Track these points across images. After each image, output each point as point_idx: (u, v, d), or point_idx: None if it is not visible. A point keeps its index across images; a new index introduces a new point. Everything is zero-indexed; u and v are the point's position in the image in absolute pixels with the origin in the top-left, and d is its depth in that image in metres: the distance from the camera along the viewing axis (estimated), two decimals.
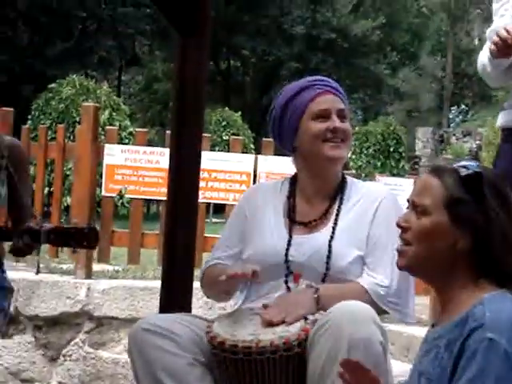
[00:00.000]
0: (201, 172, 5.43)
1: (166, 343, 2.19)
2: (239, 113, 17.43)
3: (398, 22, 20.18)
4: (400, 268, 1.73)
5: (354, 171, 16.58)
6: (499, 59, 2.58)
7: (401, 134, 17.65)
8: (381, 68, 20.67)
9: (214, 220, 12.08)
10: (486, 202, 1.64)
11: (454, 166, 1.72)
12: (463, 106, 29.88)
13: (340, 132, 2.40)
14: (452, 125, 27.93)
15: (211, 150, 6.31)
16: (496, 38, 2.49)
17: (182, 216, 2.94)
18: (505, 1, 2.73)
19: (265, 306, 2.23)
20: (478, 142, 21.02)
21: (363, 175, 15.16)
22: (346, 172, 2.59)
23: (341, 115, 2.43)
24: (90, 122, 5.11)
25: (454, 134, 23.30)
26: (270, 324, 2.14)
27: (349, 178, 2.52)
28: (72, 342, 4.52)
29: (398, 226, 1.73)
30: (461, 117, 28.34)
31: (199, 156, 3.03)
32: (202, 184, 5.40)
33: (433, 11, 24.37)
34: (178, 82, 2.95)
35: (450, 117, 28.61)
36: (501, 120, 2.71)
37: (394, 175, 15.86)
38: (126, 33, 19.44)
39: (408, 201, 1.75)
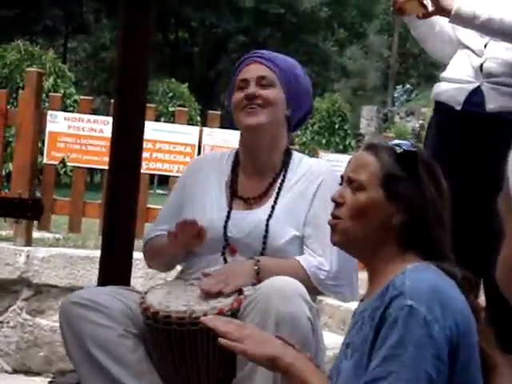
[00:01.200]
0: (145, 143, 5.44)
1: (95, 315, 2.18)
2: (186, 84, 17.33)
3: None
4: (334, 244, 1.76)
5: (297, 147, 16.72)
6: (407, 19, 2.68)
7: (346, 111, 17.77)
8: (328, 45, 20.75)
9: (158, 191, 12.06)
10: (421, 181, 1.69)
11: (389, 143, 1.76)
12: (408, 86, 30.21)
13: (257, 98, 2.37)
14: (396, 104, 28.25)
15: (156, 121, 6.28)
16: None
17: (123, 185, 2.94)
18: None
19: (205, 275, 2.23)
20: (420, 122, 21.28)
21: (306, 151, 15.28)
22: (291, 147, 2.57)
23: (261, 82, 2.39)
24: (34, 87, 5.04)
25: (398, 113, 23.56)
26: (207, 293, 2.14)
27: (295, 154, 2.50)
28: (10, 309, 4.49)
29: (333, 200, 1.75)
30: (405, 96, 28.71)
31: (142, 125, 3.03)
32: (145, 155, 5.41)
33: None
34: (122, 49, 2.93)
35: (395, 96, 28.93)
36: (432, 92, 2.80)
37: (339, 152, 16.04)
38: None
39: (342, 177, 1.78)
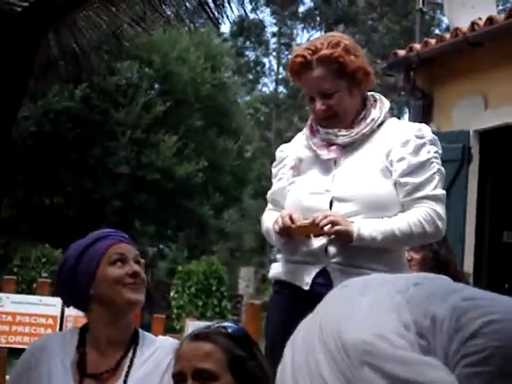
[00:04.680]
0: (4, 315, 5.30)
1: None
2: (60, 250, 17.12)
3: (220, 165, 20.90)
4: None
5: (175, 310, 16.61)
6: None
7: (222, 273, 17.94)
8: (205, 209, 21.14)
9: None
10: (257, 357, 1.76)
11: (220, 328, 1.82)
12: None
13: (139, 277, 2.47)
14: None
15: (20, 291, 6.17)
16: (280, 222, 2.73)
17: None
18: (281, 165, 3.00)
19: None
20: None
21: (184, 315, 15.20)
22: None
23: (137, 261, 2.52)
24: None
25: None
26: None
27: (140, 331, 2.54)
28: None
29: None
30: None
31: None
32: (4, 328, 5.28)
33: (255, 156, 25.58)
34: None
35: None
36: (271, 272, 2.90)
37: (216, 314, 16.09)
38: None
39: (180, 373, 1.79)
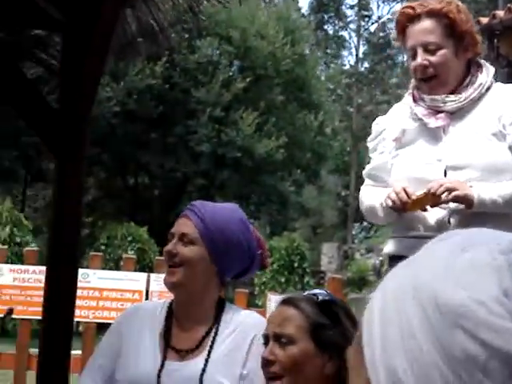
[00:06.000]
0: (91, 291, 5.41)
1: None
2: (145, 227, 17.43)
3: (301, 140, 20.82)
4: None
5: (258, 287, 16.71)
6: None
7: (304, 249, 17.93)
8: (286, 185, 21.14)
9: None
10: (342, 325, 1.75)
11: (307, 294, 1.83)
12: (365, 223, 30.82)
13: (175, 256, 2.36)
14: (356, 241, 28.64)
15: (106, 268, 6.30)
16: (394, 197, 2.59)
17: (57, 337, 2.95)
18: (380, 138, 2.84)
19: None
20: (380, 258, 21.57)
21: (266, 290, 15.28)
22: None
23: (183, 239, 2.38)
24: None
25: (359, 250, 23.91)
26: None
27: (228, 306, 2.48)
28: None
29: (265, 360, 1.78)
30: (364, 233, 29.16)
31: (75, 276, 3.08)
32: (92, 303, 5.41)
33: (335, 131, 25.35)
34: (55, 206, 3.02)
35: (353, 233, 29.36)
36: (389, 248, 2.80)
37: (298, 290, 16.08)
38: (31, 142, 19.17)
39: (266, 336, 1.82)
